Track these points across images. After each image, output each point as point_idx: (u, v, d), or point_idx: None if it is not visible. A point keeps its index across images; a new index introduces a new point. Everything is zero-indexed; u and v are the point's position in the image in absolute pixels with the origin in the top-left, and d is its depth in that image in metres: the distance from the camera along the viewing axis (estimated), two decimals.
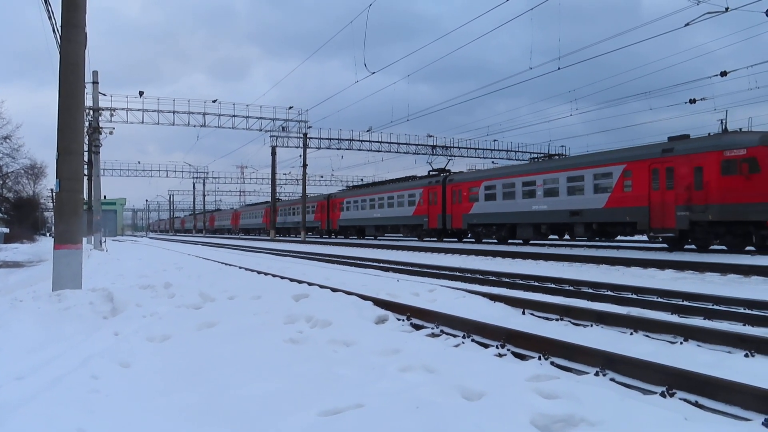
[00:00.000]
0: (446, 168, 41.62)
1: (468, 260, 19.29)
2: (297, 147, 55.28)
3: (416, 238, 43.47)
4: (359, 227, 52.33)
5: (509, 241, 35.15)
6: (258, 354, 5.56)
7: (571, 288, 10.75)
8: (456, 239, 39.79)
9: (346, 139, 56.69)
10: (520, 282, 12.16)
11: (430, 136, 59.01)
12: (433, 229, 40.67)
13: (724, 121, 21.24)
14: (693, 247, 22.67)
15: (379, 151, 58.58)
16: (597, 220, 26.17)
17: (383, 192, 48.92)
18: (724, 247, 20.96)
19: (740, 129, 21.19)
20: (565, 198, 27.93)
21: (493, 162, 60.41)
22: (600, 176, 26.16)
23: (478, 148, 62.63)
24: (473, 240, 37.76)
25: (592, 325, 7.35)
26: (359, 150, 57.43)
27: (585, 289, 10.45)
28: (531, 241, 34.56)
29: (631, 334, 6.86)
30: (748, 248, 20.57)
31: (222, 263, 19.78)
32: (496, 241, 34.87)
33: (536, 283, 11.62)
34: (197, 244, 48.95)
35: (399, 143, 58.83)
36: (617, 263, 16.21)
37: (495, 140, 61.29)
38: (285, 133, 54.48)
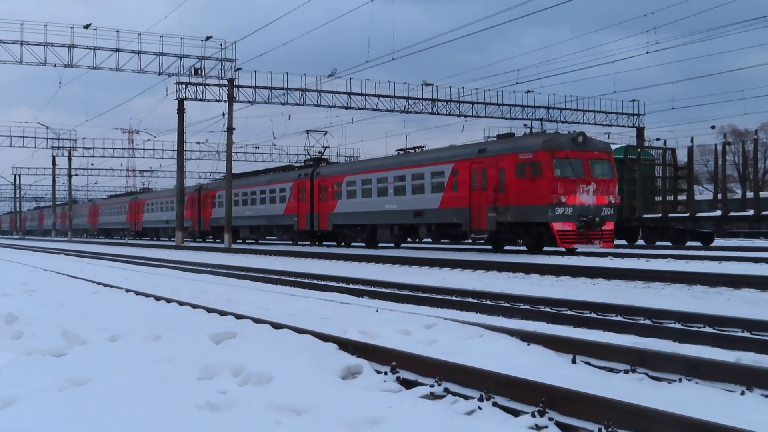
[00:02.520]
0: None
1: (488, 278, 19.32)
2: (218, 101, 48.64)
3: (309, 242, 46.50)
4: (233, 228, 52.36)
5: (380, 244, 40.71)
6: (155, 429, 5.24)
7: (647, 321, 10.75)
8: (367, 244, 41.28)
9: (296, 89, 50.28)
10: (567, 313, 11.84)
11: (427, 85, 53.05)
12: (304, 231, 45.04)
13: (541, 124, 31.41)
14: (524, 248, 30.28)
15: (347, 108, 51.08)
16: (434, 221, 33.64)
17: (256, 185, 50.68)
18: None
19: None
20: (410, 197, 35.37)
21: (525, 126, 52.80)
22: (436, 175, 33.69)
23: (504, 104, 55.65)
24: (342, 243, 43.57)
25: (680, 380, 7.18)
26: (316, 106, 50.85)
27: (668, 323, 10.51)
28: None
29: (743, 393, 6.68)
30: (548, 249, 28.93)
31: (98, 283, 18.52)
32: (451, 240, 38.59)
33: (593, 314, 11.53)
34: (60, 252, 45.99)
35: (379, 95, 51.85)
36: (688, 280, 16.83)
37: (529, 91, 55.19)
38: (199, 79, 47.81)
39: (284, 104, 50.51)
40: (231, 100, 48.00)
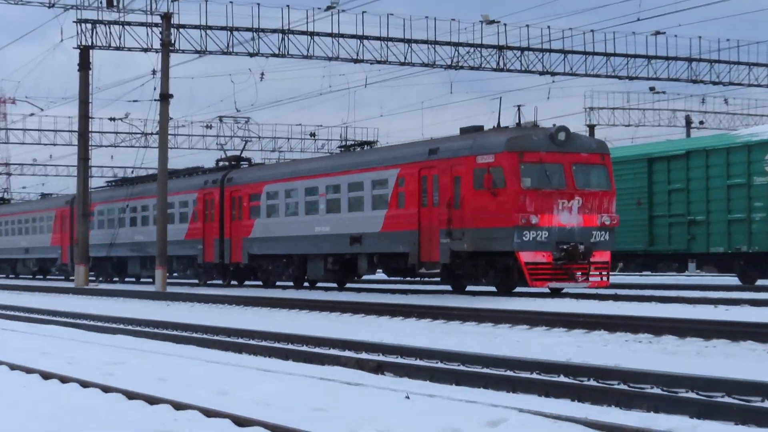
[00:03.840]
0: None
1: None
2: (146, 50, 33.56)
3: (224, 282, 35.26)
4: (117, 260, 41.17)
5: (313, 284, 32.31)
6: None
7: None
8: (294, 284, 32.23)
9: (273, 30, 33.94)
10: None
11: (490, 23, 35.27)
12: (212, 264, 34.31)
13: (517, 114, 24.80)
14: (493, 288, 24.15)
15: (357, 61, 34.90)
16: (376, 249, 26.91)
17: (146, 196, 38.68)
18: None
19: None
20: (346, 216, 28.21)
21: (652, 91, 43.38)
22: (378, 184, 27.04)
23: (616, 53, 37.02)
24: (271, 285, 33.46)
25: None
26: (306, 58, 34.61)
27: None
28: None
29: None
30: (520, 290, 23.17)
31: None
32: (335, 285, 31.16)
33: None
34: None
35: (410, 40, 34.48)
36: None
37: (659, 33, 36.79)
38: (115, 14, 32.27)
39: (254, 55, 34.86)
40: (167, 48, 32.06)
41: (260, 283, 34.37)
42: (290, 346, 14.74)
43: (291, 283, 32.50)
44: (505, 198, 22.89)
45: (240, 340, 16.03)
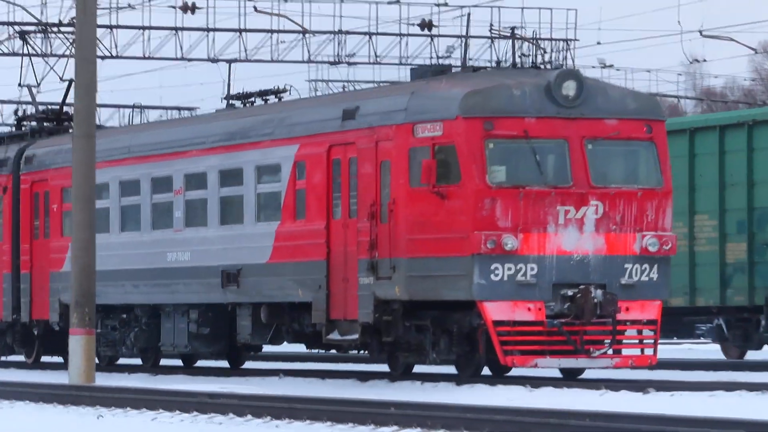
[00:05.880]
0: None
1: None
2: None
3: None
4: None
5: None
6: None
7: None
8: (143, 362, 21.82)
9: None
10: None
11: None
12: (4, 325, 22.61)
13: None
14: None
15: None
16: (262, 297, 17.65)
17: None
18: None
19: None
20: (216, 232, 18.50)
21: None
22: (265, 173, 17.89)
23: None
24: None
25: None
26: None
27: None
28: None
29: None
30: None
31: None
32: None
33: None
34: None
35: None
36: None
37: None
38: None
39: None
40: None
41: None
42: None
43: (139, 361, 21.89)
44: (459, 203, 15.11)
45: None
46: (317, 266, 16.44)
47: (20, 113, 25.82)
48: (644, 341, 15.42)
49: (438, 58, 41.15)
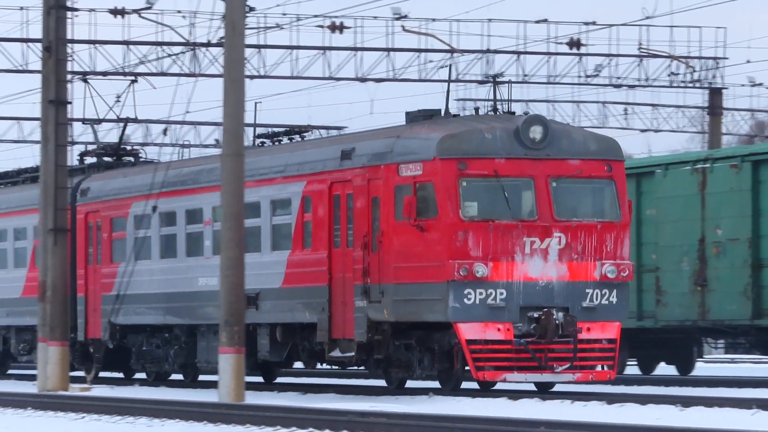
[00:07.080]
0: None
1: None
2: None
3: None
4: None
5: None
6: None
7: None
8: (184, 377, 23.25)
9: None
10: None
11: None
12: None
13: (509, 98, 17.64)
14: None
15: None
16: (277, 318, 19.27)
17: None
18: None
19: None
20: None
21: None
22: (278, 207, 19.55)
23: None
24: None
25: None
26: None
27: None
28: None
29: None
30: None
31: None
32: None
33: None
34: None
35: None
36: None
37: None
38: None
39: None
40: None
41: (144, 375, 24.28)
42: None
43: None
44: (436, 235, 16.23)
45: None
46: (321, 290, 17.90)
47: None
48: (604, 358, 16.34)
49: (587, 76, 40.91)
